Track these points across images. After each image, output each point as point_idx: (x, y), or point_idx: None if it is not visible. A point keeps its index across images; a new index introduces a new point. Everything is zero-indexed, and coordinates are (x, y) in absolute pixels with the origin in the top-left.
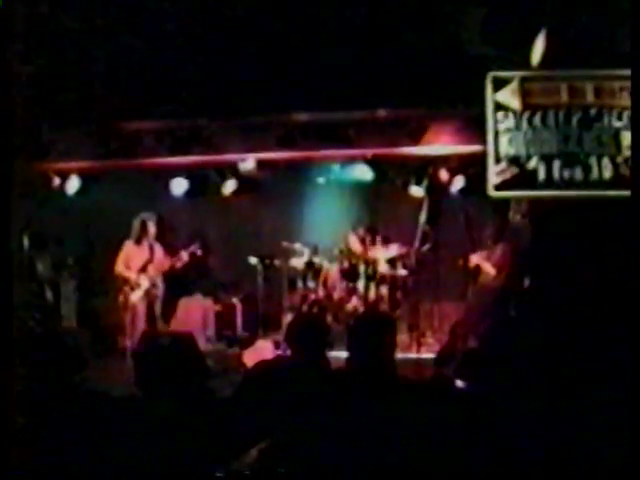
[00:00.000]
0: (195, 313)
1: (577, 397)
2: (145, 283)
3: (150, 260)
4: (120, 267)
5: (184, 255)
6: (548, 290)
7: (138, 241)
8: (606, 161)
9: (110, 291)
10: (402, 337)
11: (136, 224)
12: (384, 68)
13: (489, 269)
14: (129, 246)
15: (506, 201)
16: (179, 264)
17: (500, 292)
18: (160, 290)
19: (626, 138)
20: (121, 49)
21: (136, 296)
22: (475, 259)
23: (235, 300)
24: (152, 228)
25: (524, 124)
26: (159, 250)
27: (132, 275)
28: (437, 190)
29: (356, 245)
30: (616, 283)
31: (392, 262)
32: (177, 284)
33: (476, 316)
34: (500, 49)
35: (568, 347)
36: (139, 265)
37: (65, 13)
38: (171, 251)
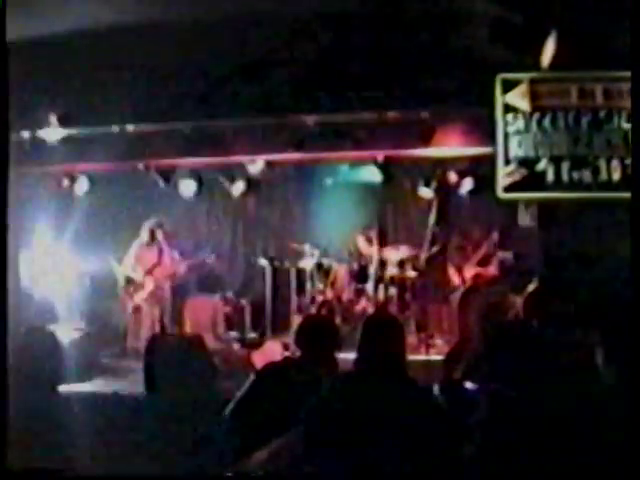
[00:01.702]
0: (204, 312)
1: (586, 397)
2: (150, 285)
3: (158, 263)
4: (127, 268)
5: (190, 262)
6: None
7: (148, 244)
8: (615, 163)
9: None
10: (411, 339)
11: (146, 228)
12: (394, 70)
13: (495, 272)
14: (138, 248)
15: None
16: (186, 269)
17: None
18: (167, 292)
19: None
20: None
21: (140, 297)
22: (472, 270)
23: (244, 301)
24: (162, 232)
25: (533, 126)
26: (168, 254)
27: (138, 277)
28: (446, 192)
29: (365, 246)
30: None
31: (401, 264)
32: (185, 286)
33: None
34: (510, 51)
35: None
36: (146, 267)
37: None
38: (180, 255)
